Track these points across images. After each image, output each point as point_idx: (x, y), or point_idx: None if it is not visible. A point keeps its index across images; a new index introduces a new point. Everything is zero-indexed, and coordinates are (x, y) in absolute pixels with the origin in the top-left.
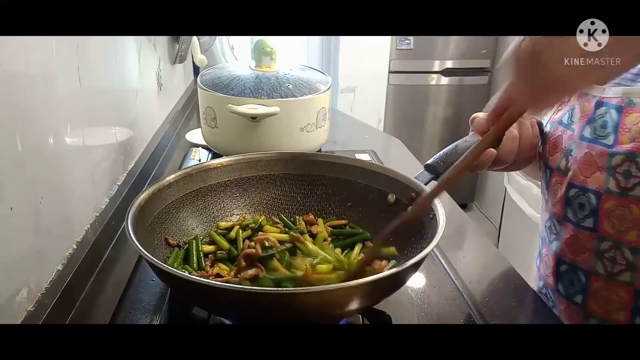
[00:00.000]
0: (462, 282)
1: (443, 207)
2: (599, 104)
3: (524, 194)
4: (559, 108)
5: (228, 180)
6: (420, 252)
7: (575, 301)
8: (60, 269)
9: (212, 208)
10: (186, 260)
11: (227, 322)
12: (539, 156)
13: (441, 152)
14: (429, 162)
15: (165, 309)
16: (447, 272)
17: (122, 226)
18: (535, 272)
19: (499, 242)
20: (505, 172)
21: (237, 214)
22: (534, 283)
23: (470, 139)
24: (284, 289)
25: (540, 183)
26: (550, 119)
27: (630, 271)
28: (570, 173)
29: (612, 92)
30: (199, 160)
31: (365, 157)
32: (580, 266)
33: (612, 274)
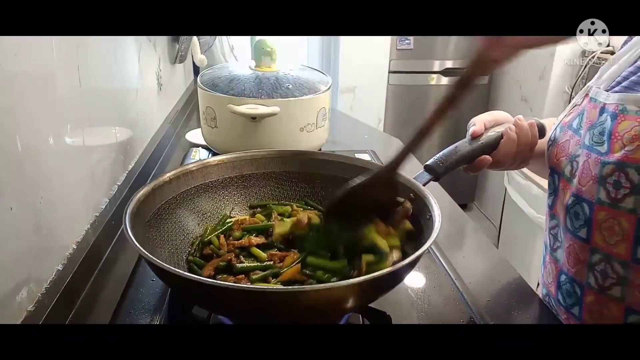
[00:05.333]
0: (462, 282)
1: (440, 208)
2: (602, 110)
3: (524, 194)
4: (570, 112)
5: (228, 177)
6: (416, 250)
7: (573, 313)
8: (60, 269)
9: (211, 205)
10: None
11: (227, 322)
12: (548, 159)
13: (441, 153)
14: (428, 162)
15: (165, 309)
16: (447, 272)
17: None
18: (540, 278)
19: (499, 242)
20: (505, 172)
21: (237, 212)
22: (539, 289)
23: (471, 141)
24: (283, 287)
25: (541, 181)
26: (561, 122)
27: (621, 286)
28: (574, 180)
29: (611, 98)
30: None
31: (365, 157)
32: (576, 278)
33: (604, 288)
